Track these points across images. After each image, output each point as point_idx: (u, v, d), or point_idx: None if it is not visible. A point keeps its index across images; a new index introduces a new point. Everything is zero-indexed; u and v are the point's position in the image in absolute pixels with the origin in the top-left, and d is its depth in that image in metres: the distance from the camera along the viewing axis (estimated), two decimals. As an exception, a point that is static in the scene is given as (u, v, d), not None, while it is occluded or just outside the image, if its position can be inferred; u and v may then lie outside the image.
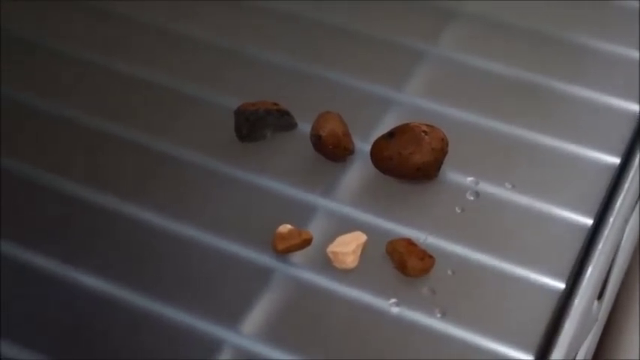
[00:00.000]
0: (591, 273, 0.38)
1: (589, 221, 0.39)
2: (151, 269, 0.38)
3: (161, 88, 0.46)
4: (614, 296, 0.44)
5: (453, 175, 0.41)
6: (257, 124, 0.42)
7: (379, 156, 0.40)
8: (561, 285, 0.37)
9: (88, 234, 0.40)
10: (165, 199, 0.40)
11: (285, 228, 0.38)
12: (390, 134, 0.40)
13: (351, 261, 0.37)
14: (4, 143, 0.43)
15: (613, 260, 0.41)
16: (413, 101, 0.45)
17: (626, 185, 0.41)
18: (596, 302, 0.40)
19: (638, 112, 0.44)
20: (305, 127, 0.43)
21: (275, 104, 0.43)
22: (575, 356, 0.38)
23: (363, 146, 0.42)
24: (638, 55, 0.47)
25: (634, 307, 0.54)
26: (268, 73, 0.46)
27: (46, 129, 0.44)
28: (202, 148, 0.42)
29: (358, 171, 0.41)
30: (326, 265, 0.38)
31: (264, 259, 0.38)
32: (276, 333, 0.36)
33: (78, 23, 0.50)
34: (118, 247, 0.39)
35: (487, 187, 0.41)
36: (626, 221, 0.40)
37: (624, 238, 0.43)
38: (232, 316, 0.36)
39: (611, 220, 0.40)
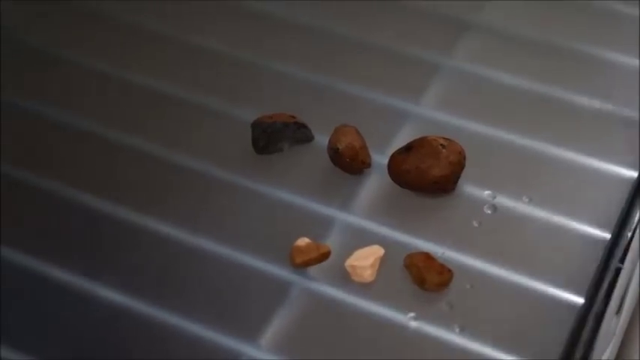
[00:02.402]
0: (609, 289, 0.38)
1: (607, 235, 0.39)
2: (169, 282, 0.38)
3: (179, 101, 0.46)
4: (632, 310, 0.44)
5: (471, 188, 0.41)
6: (274, 137, 0.42)
7: (397, 169, 0.40)
8: (580, 299, 0.37)
9: (107, 247, 0.40)
10: (183, 212, 0.40)
11: (303, 242, 0.38)
12: (408, 148, 0.40)
13: (369, 275, 0.37)
14: (21, 156, 0.43)
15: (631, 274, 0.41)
16: (429, 114, 0.45)
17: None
18: (614, 317, 0.40)
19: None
20: (322, 139, 0.43)
21: (292, 117, 0.43)
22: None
23: (380, 159, 0.42)
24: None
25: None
26: (286, 85, 0.46)
27: (62, 141, 0.44)
28: (220, 161, 0.42)
29: (375, 184, 0.41)
30: (344, 278, 0.38)
31: (282, 272, 0.38)
32: (294, 346, 0.36)
33: (92, 34, 0.50)
34: (136, 259, 0.39)
35: (504, 201, 0.41)
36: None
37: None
38: (251, 330, 0.36)
39: (629, 234, 0.39)
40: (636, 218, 0.40)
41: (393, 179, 0.40)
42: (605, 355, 0.41)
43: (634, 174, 0.42)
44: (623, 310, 0.43)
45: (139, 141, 0.44)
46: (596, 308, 0.37)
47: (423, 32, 0.49)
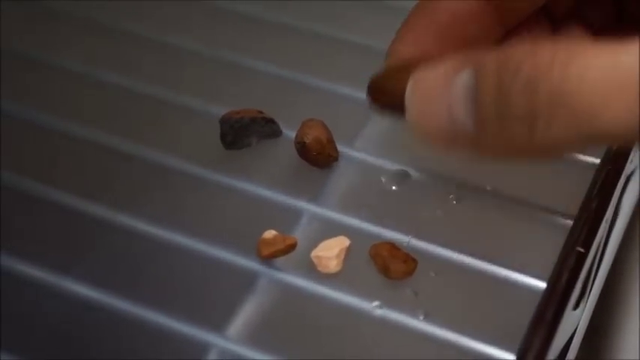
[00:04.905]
0: (572, 274, 0.38)
1: (570, 222, 0.40)
2: (138, 276, 0.39)
3: (146, 97, 0.46)
4: (598, 295, 0.45)
5: (436, 179, 0.42)
6: (242, 132, 0.43)
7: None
8: (543, 285, 0.38)
9: (78, 243, 0.40)
10: (152, 207, 0.41)
11: (269, 234, 0.39)
12: None
13: (334, 265, 0.38)
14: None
15: (601, 259, 0.42)
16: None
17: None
18: (582, 303, 0.41)
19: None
20: (290, 134, 0.43)
21: (260, 112, 0.43)
22: (566, 354, 0.38)
23: (348, 152, 0.43)
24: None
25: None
26: (253, 80, 0.47)
27: (33, 140, 0.45)
28: (188, 156, 0.43)
29: (342, 177, 0.42)
30: (310, 269, 0.38)
31: (250, 264, 0.38)
32: (261, 336, 0.36)
33: (61, 32, 0.51)
34: (106, 255, 0.40)
35: (469, 190, 0.41)
36: (607, 221, 0.41)
37: (611, 238, 0.43)
38: (218, 320, 0.37)
39: (609, 218, 0.40)
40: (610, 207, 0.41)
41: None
42: (576, 338, 0.42)
43: (596, 160, 0.42)
44: (589, 297, 0.43)
45: (108, 138, 0.44)
46: (557, 293, 0.37)
47: (392, 28, 0.49)
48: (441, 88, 0.27)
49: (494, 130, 0.25)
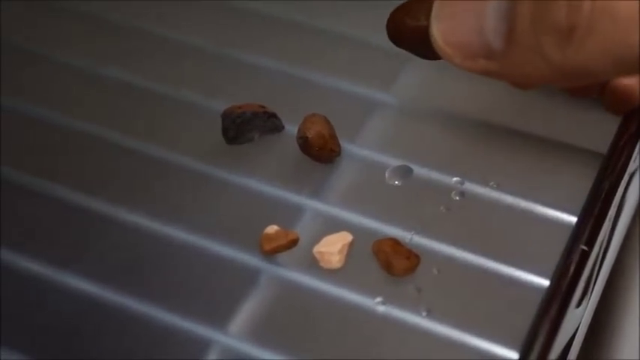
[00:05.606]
0: (575, 272, 0.38)
1: (574, 219, 0.40)
2: (139, 272, 0.38)
3: (147, 92, 0.46)
4: (600, 294, 0.45)
5: (439, 175, 0.42)
6: (244, 127, 0.42)
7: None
8: (546, 282, 0.38)
9: (77, 238, 0.40)
10: (154, 202, 0.41)
11: (272, 229, 0.38)
12: None
13: (337, 261, 0.38)
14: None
15: (604, 257, 0.41)
16: (400, 102, 0.45)
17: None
18: (584, 301, 0.40)
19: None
20: (292, 129, 0.43)
21: (262, 106, 0.43)
22: (568, 352, 0.38)
23: (350, 148, 0.43)
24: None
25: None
26: (255, 75, 0.47)
27: (36, 135, 0.45)
28: (190, 151, 0.43)
29: (345, 172, 0.42)
30: (312, 265, 0.38)
31: (252, 260, 0.38)
32: (263, 333, 0.36)
33: (64, 30, 0.50)
34: (107, 250, 0.39)
35: (472, 187, 0.41)
36: (610, 219, 0.41)
37: (614, 236, 0.43)
38: (220, 317, 0.37)
39: (613, 214, 0.40)
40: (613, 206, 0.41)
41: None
42: (578, 336, 0.42)
43: (599, 158, 0.42)
44: (592, 295, 0.43)
45: (108, 133, 0.44)
46: (561, 291, 0.37)
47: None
48: (472, 3, 0.26)
49: (526, 44, 0.24)
